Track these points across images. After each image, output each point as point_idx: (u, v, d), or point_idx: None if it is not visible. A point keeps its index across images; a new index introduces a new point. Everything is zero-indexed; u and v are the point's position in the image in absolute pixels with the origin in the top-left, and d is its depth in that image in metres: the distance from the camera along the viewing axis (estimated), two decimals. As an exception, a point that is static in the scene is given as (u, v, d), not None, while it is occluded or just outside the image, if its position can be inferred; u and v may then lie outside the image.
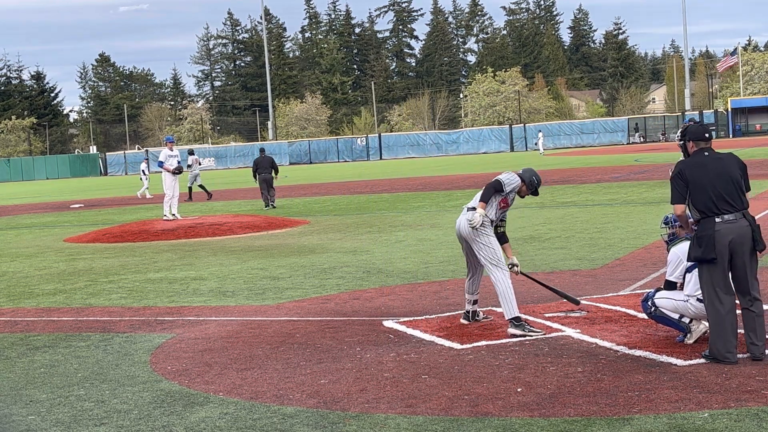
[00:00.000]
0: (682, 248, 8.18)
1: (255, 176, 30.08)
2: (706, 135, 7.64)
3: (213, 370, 8.16)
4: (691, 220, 7.77)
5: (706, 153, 7.57)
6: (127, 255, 18.01)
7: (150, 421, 6.71)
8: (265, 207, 29.17)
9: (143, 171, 43.34)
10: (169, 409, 6.98)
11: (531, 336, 8.59)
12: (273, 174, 29.75)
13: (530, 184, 9.33)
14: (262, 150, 32.13)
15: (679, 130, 7.92)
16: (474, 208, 9.01)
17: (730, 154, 7.67)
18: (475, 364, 7.80)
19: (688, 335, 8.13)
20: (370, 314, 10.30)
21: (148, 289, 13.30)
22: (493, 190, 9.04)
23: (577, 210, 22.13)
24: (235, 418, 6.66)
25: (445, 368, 7.71)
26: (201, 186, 37.04)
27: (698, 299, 7.97)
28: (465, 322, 9.42)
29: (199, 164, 38.02)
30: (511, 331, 8.67)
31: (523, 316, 9.03)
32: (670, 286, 8.34)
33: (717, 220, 7.38)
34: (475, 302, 9.45)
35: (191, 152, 37.41)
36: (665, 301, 8.25)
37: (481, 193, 9.08)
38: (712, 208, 7.39)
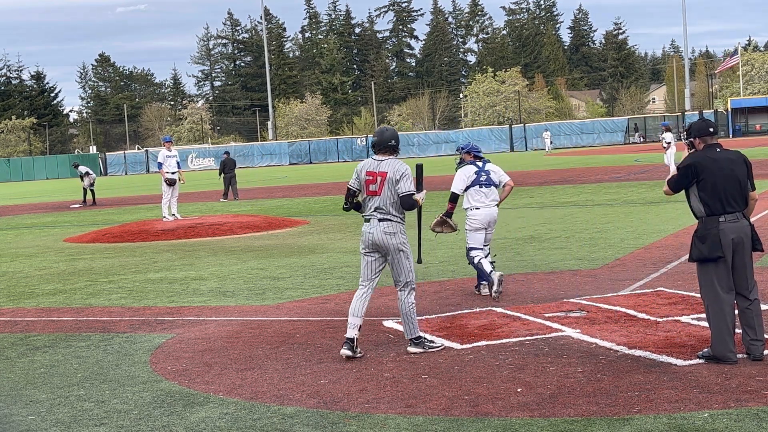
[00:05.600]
0: (465, 170, 11.06)
1: (221, 173, 35.78)
2: (711, 129, 7.58)
3: (213, 370, 8.16)
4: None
5: (718, 149, 7.53)
6: (127, 255, 18.01)
7: (150, 421, 6.71)
8: (223, 199, 35.10)
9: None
10: (169, 409, 6.98)
11: (431, 351, 8.23)
12: (235, 172, 36.17)
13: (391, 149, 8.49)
14: (226, 153, 36.68)
15: (684, 131, 7.95)
16: (389, 220, 8.25)
17: (739, 153, 7.62)
18: (475, 364, 7.80)
19: (483, 285, 10.87)
20: (370, 314, 10.28)
21: (148, 289, 13.30)
22: (411, 204, 8.31)
23: (577, 210, 22.13)
24: (235, 418, 6.66)
25: (445, 368, 7.70)
26: (90, 190, 37.85)
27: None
28: (349, 353, 8.17)
29: (90, 176, 38.12)
30: (412, 349, 8.29)
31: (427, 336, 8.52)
32: (455, 196, 11.05)
33: (720, 219, 7.38)
34: (360, 327, 8.35)
35: (76, 165, 39.72)
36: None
37: (403, 208, 8.30)
38: (718, 207, 7.38)
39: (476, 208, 11.01)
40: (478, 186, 11.00)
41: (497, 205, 11.13)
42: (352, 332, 8.24)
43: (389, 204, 8.28)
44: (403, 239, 8.33)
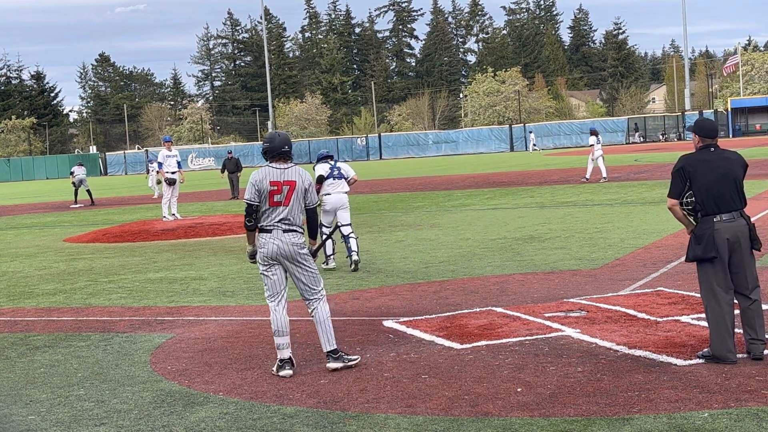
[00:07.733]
0: (322, 166, 14.22)
1: (222, 171, 37.66)
2: (714, 133, 7.64)
3: (213, 370, 8.16)
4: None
5: (712, 149, 7.55)
6: (127, 255, 18.01)
7: (150, 421, 6.72)
8: (232, 198, 35.36)
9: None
10: (169, 409, 6.98)
11: (350, 364, 7.87)
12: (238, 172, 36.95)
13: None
14: (230, 152, 38.77)
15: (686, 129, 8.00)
16: (294, 231, 7.91)
17: (736, 153, 7.65)
18: (475, 364, 7.80)
19: (331, 259, 14.15)
20: (370, 314, 10.30)
21: (148, 289, 13.31)
22: (315, 216, 8.22)
23: (577, 210, 22.13)
24: (235, 418, 6.66)
25: (445, 368, 7.70)
26: (87, 191, 38.11)
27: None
28: (291, 373, 7.76)
29: (83, 174, 38.57)
30: (332, 365, 7.83)
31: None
32: (321, 178, 14.16)
33: (715, 219, 7.38)
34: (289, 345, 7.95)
35: (80, 163, 40.65)
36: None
37: (309, 230, 8.19)
38: (712, 207, 7.39)
39: (328, 194, 14.08)
40: (332, 178, 14.18)
41: (346, 193, 14.28)
42: (286, 353, 7.84)
43: (297, 214, 7.90)
44: (306, 249, 8.02)
